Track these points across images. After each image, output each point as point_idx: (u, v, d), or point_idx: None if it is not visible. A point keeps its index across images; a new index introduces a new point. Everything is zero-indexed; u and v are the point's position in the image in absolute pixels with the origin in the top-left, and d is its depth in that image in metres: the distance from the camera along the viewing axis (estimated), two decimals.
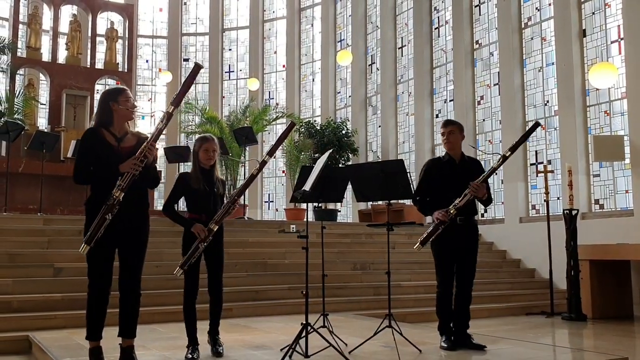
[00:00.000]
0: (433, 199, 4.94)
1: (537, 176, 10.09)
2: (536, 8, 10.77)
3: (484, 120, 11.59)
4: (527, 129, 10.56)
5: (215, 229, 4.36)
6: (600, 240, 8.04)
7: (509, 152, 4.81)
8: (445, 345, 4.83)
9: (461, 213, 4.78)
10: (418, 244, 4.89)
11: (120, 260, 3.93)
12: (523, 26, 10.95)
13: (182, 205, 5.96)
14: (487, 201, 4.93)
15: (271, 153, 4.48)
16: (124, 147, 3.88)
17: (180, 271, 4.35)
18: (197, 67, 3.90)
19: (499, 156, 4.87)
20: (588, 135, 9.47)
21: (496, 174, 9.94)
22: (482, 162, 5.15)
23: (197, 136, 4.70)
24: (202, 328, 4.59)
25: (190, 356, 4.37)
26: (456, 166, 4.95)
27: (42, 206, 9.75)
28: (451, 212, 4.74)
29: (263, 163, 4.41)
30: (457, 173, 4.90)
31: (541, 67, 10.56)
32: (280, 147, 15.30)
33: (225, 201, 4.61)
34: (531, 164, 10.51)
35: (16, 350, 5.41)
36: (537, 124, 5.00)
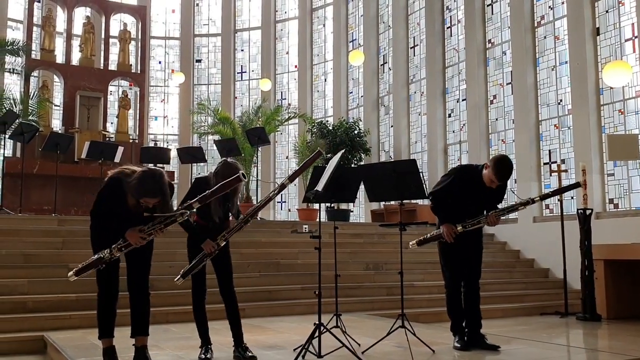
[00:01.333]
0: (450, 205, 4.86)
1: (550, 175, 10.02)
2: (549, 6, 10.70)
3: (496, 119, 11.53)
4: (539, 127, 10.55)
5: (222, 244, 4.28)
6: (615, 240, 7.98)
7: (538, 198, 4.82)
8: (459, 346, 4.81)
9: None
10: (415, 242, 4.87)
11: (128, 263, 4.00)
12: (536, 25, 10.89)
13: None
14: None
15: (292, 178, 4.28)
16: (142, 207, 3.92)
17: (181, 280, 4.28)
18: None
19: (527, 199, 4.76)
20: (602, 134, 9.40)
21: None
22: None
23: (224, 160, 4.45)
24: (215, 328, 4.60)
25: (203, 356, 4.37)
26: (483, 184, 4.81)
27: (57, 207, 9.82)
28: (457, 230, 4.73)
29: (282, 186, 4.25)
30: (482, 190, 4.80)
31: (554, 66, 10.49)
32: (293, 148, 15.42)
33: (238, 207, 4.57)
34: (544, 163, 10.44)
35: (31, 350, 5.47)
36: (577, 184, 4.99)
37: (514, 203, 4.84)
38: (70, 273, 3.87)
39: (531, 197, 4.84)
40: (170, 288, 7.05)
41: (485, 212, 4.79)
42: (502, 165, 4.66)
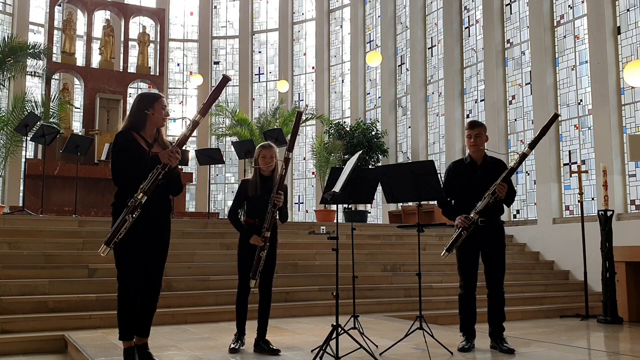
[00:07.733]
0: (457, 203, 4.90)
1: (570, 177, 9.93)
2: (569, 5, 10.61)
3: (515, 120, 11.45)
4: (559, 128, 10.45)
5: (268, 236, 4.49)
6: (637, 242, 7.88)
7: (528, 149, 4.73)
8: (460, 346, 4.77)
9: (484, 214, 4.70)
10: (444, 251, 4.84)
11: (143, 262, 3.97)
12: (555, 24, 10.79)
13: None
14: (508, 200, 4.83)
15: (290, 148, 4.54)
16: (154, 152, 3.94)
17: (254, 282, 4.45)
18: (225, 80, 3.94)
19: (518, 154, 4.78)
20: (623, 135, 9.29)
21: (528, 173, 9.77)
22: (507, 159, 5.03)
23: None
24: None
25: (233, 345, 4.59)
26: (478, 168, 4.88)
27: (77, 208, 9.93)
28: (472, 217, 4.68)
29: (287, 160, 4.50)
30: (479, 175, 4.83)
31: (574, 66, 10.39)
32: (311, 149, 15.44)
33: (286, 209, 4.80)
34: (564, 164, 10.34)
35: (52, 349, 5.53)
36: (555, 116, 4.84)
37: (510, 168, 4.72)
38: (101, 247, 3.71)
39: (522, 152, 4.74)
40: (189, 289, 7.11)
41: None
42: (468, 122, 4.98)
